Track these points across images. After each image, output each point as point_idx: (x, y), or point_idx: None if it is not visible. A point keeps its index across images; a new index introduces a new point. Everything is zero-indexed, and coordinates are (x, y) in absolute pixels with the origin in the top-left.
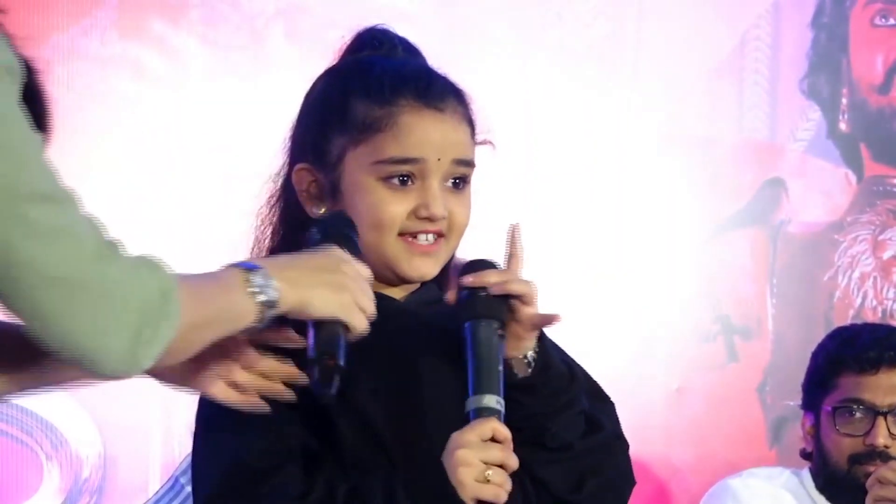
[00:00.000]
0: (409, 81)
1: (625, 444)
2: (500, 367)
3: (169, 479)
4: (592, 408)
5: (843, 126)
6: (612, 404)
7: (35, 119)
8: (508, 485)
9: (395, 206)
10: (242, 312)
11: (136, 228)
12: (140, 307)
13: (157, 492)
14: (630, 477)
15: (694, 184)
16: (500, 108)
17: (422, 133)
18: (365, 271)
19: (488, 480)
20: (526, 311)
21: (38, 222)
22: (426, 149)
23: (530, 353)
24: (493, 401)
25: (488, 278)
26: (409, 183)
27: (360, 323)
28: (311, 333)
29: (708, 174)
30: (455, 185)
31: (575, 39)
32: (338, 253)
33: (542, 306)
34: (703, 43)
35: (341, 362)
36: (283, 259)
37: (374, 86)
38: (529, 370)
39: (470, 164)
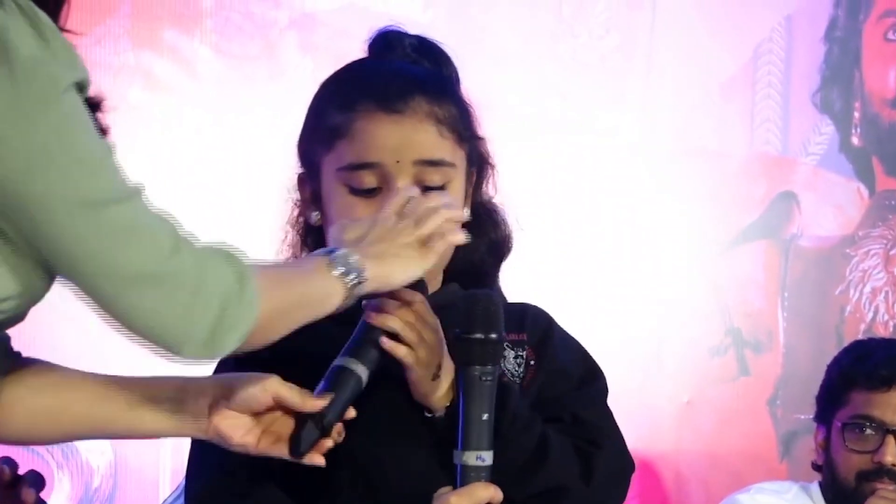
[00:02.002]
0: (368, 85)
1: (607, 438)
2: (486, 416)
3: (178, 488)
4: (571, 397)
5: (855, 140)
6: (596, 388)
7: None
8: None
9: (361, 213)
10: (330, 294)
11: None
12: (219, 294)
13: (166, 499)
14: (617, 471)
15: (706, 197)
16: (512, 119)
17: (375, 137)
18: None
19: None
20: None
21: (115, 223)
22: (382, 153)
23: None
24: (474, 457)
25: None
26: (377, 189)
27: (440, 246)
28: (322, 384)
29: (720, 187)
30: (427, 189)
31: (587, 52)
32: (389, 212)
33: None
34: (716, 56)
35: (327, 432)
36: (367, 236)
37: (339, 92)
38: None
39: (438, 163)
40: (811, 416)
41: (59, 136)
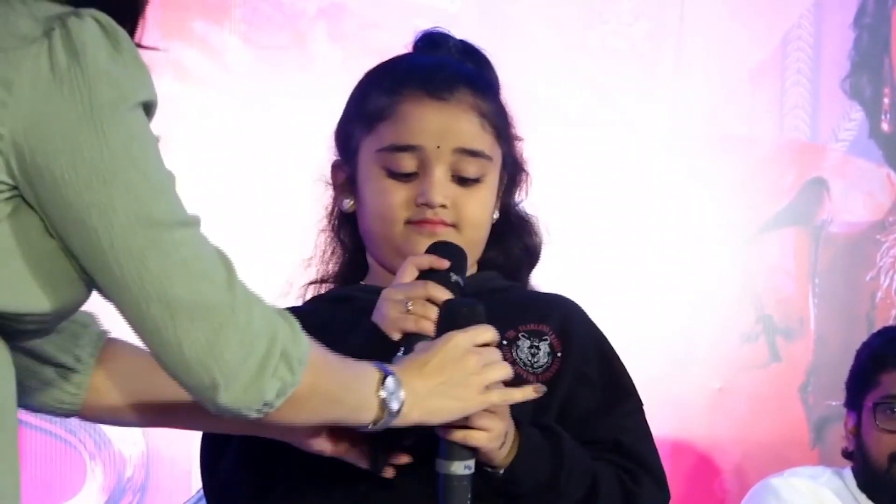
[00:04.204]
0: (416, 72)
1: (648, 472)
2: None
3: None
4: (611, 420)
5: (885, 126)
6: (634, 410)
7: None
8: (433, 314)
9: (396, 196)
10: (366, 407)
11: None
12: (269, 336)
13: (199, 491)
14: (655, 494)
15: (736, 184)
16: (541, 108)
17: (420, 120)
18: (492, 341)
19: (409, 312)
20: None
21: (176, 247)
22: (424, 136)
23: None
24: (462, 467)
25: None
26: (414, 174)
27: (497, 398)
28: None
29: (750, 174)
30: (463, 180)
31: (616, 39)
32: (462, 343)
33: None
34: (745, 43)
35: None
36: (415, 365)
37: (385, 78)
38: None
39: (477, 154)
40: (843, 402)
41: (127, 149)
